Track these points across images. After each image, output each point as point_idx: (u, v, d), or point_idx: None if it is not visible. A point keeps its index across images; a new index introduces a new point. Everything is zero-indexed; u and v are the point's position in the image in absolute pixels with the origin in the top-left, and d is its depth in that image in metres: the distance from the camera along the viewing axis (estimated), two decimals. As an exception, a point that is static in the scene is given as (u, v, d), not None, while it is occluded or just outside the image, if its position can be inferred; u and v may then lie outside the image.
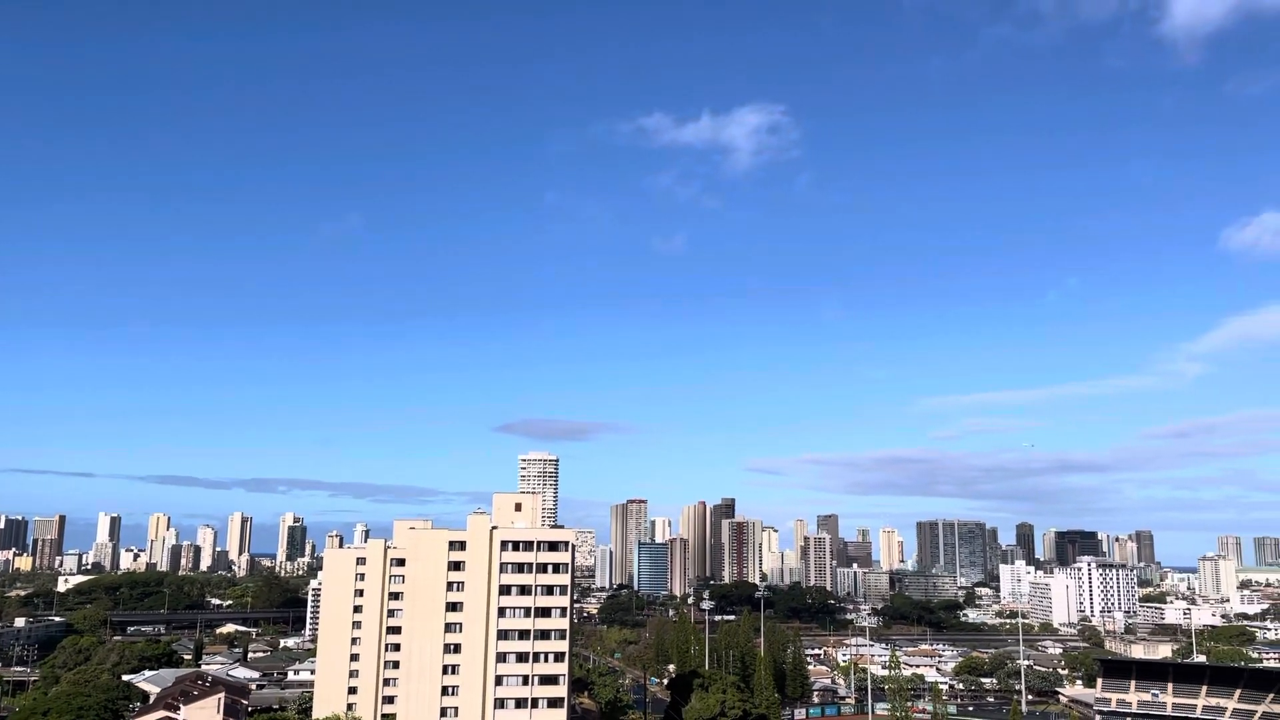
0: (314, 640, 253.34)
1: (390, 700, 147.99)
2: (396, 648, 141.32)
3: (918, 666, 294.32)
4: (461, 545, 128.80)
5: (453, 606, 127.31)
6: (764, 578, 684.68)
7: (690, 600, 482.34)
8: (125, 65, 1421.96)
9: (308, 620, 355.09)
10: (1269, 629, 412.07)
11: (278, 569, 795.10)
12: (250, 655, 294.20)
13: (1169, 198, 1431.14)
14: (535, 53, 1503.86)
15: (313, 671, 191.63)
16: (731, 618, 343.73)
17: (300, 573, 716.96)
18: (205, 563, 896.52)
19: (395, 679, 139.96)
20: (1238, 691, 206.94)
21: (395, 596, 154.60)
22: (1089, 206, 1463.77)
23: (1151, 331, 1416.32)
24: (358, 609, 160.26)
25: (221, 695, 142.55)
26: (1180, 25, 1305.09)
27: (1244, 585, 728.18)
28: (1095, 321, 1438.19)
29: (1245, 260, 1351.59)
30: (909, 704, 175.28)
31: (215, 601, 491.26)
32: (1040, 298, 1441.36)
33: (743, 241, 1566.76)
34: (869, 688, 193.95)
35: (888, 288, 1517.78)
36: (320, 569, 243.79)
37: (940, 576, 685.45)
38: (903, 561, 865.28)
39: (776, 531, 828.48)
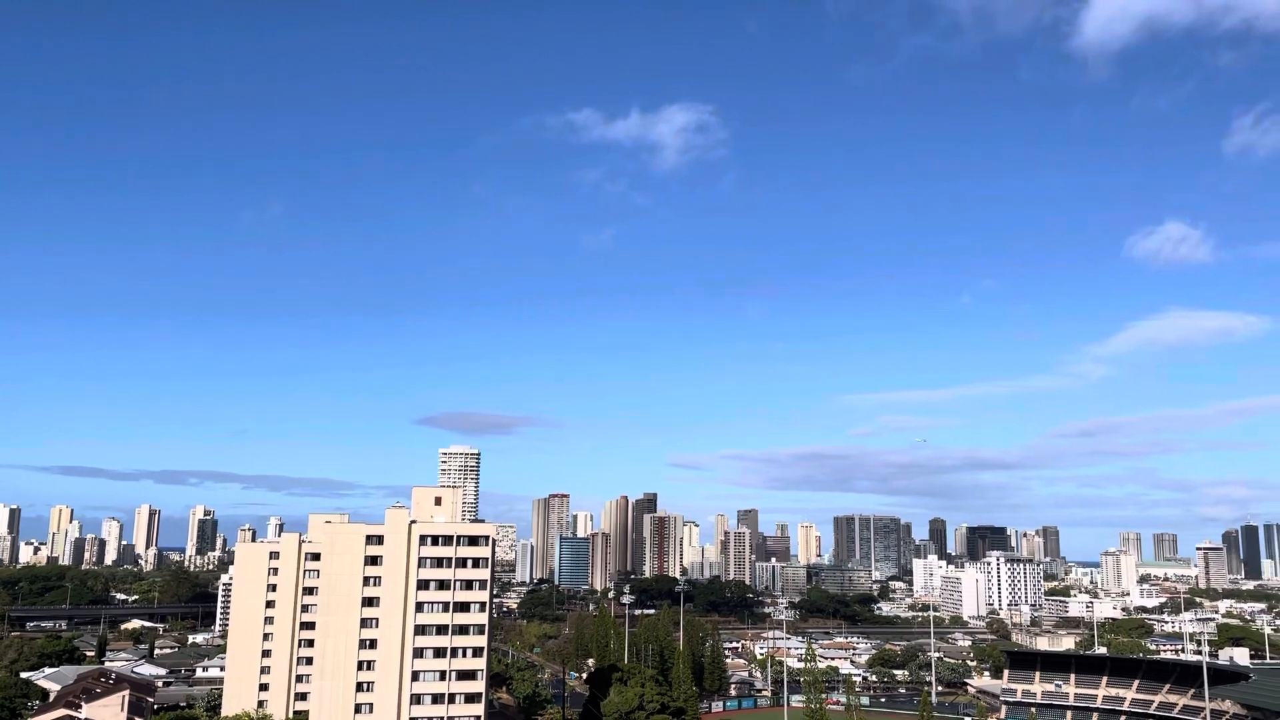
0: (224, 636, 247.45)
1: (303, 697, 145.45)
2: (310, 644, 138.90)
3: (833, 659, 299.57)
4: (379, 540, 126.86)
5: (369, 602, 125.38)
6: (684, 572, 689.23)
7: (611, 594, 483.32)
8: (38, 57, 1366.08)
9: (218, 616, 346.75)
10: (1166, 622, 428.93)
11: (187, 563, 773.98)
12: (157, 652, 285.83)
13: (1078, 206, 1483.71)
14: (464, 46, 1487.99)
15: (222, 668, 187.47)
16: (652, 612, 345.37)
17: (211, 567, 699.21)
18: (110, 557, 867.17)
19: (308, 675, 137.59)
20: (1136, 682, 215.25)
21: (310, 591, 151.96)
22: (1003, 213, 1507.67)
23: (1060, 334, 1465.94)
24: (270, 604, 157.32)
25: (126, 693, 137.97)
26: (1090, 41, 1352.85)
27: (1143, 579, 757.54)
28: (1007, 323, 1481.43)
29: (1149, 267, 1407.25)
30: (824, 696, 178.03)
31: (121, 597, 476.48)
32: (956, 299, 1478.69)
33: (669, 239, 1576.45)
34: (785, 680, 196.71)
35: (810, 288, 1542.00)
36: (232, 563, 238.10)
37: (856, 570, 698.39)
38: (820, 556, 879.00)
39: (697, 526, 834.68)
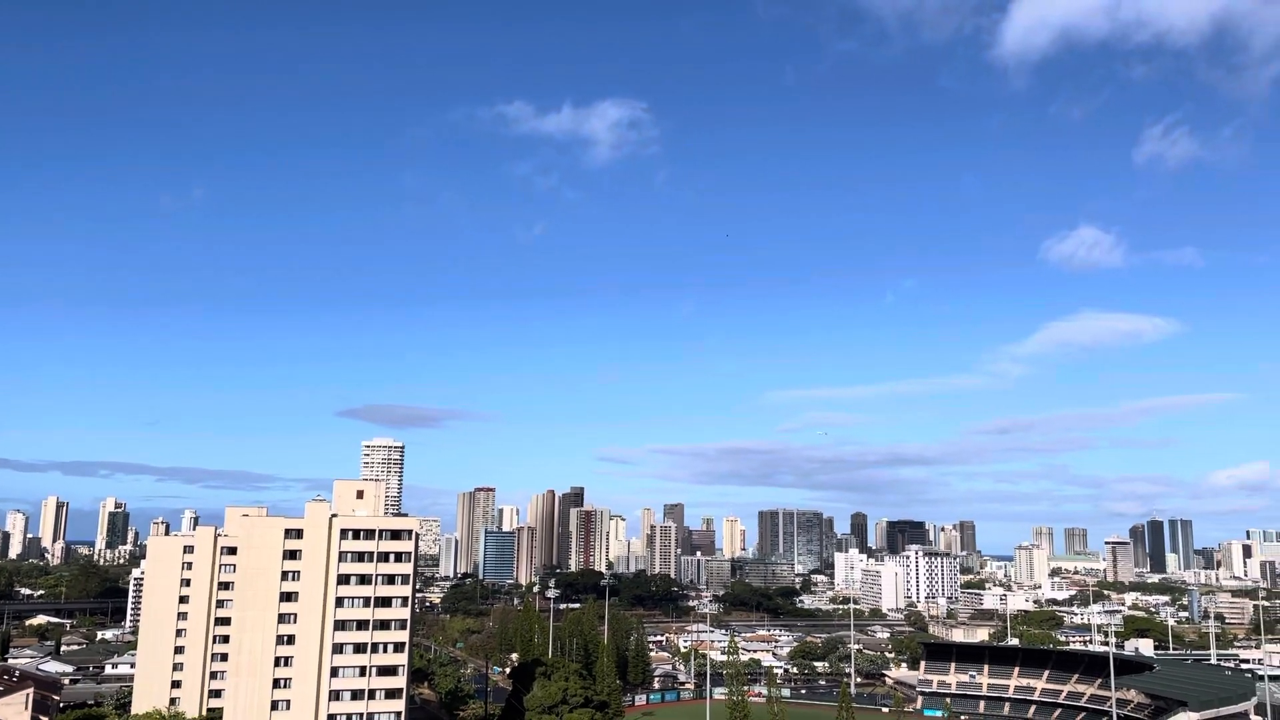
0: (135, 633, 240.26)
1: (217, 695, 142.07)
2: (226, 640, 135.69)
3: (755, 652, 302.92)
4: (298, 534, 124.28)
5: (287, 597, 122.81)
6: (610, 566, 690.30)
7: (536, 589, 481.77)
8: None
9: (129, 611, 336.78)
10: (1075, 614, 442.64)
11: (96, 557, 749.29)
12: (64, 648, 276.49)
13: (996, 210, 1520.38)
14: (394, 36, 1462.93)
15: (133, 665, 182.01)
16: (577, 606, 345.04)
17: (121, 561, 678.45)
18: (15, 550, 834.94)
19: (223, 673, 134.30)
20: (1046, 672, 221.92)
21: (225, 586, 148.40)
22: (924, 216, 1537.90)
23: (980, 334, 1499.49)
24: (184, 599, 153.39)
25: (30, 690, 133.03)
26: (1010, 52, 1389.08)
27: (1055, 573, 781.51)
28: (929, 323, 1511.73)
29: (1063, 270, 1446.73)
30: (745, 688, 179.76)
31: (25, 591, 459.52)
32: (879, 299, 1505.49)
33: (601, 234, 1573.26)
34: (708, 673, 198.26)
35: (739, 285, 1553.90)
36: (144, 558, 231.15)
37: (779, 564, 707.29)
38: (744, 549, 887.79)
39: (624, 520, 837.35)
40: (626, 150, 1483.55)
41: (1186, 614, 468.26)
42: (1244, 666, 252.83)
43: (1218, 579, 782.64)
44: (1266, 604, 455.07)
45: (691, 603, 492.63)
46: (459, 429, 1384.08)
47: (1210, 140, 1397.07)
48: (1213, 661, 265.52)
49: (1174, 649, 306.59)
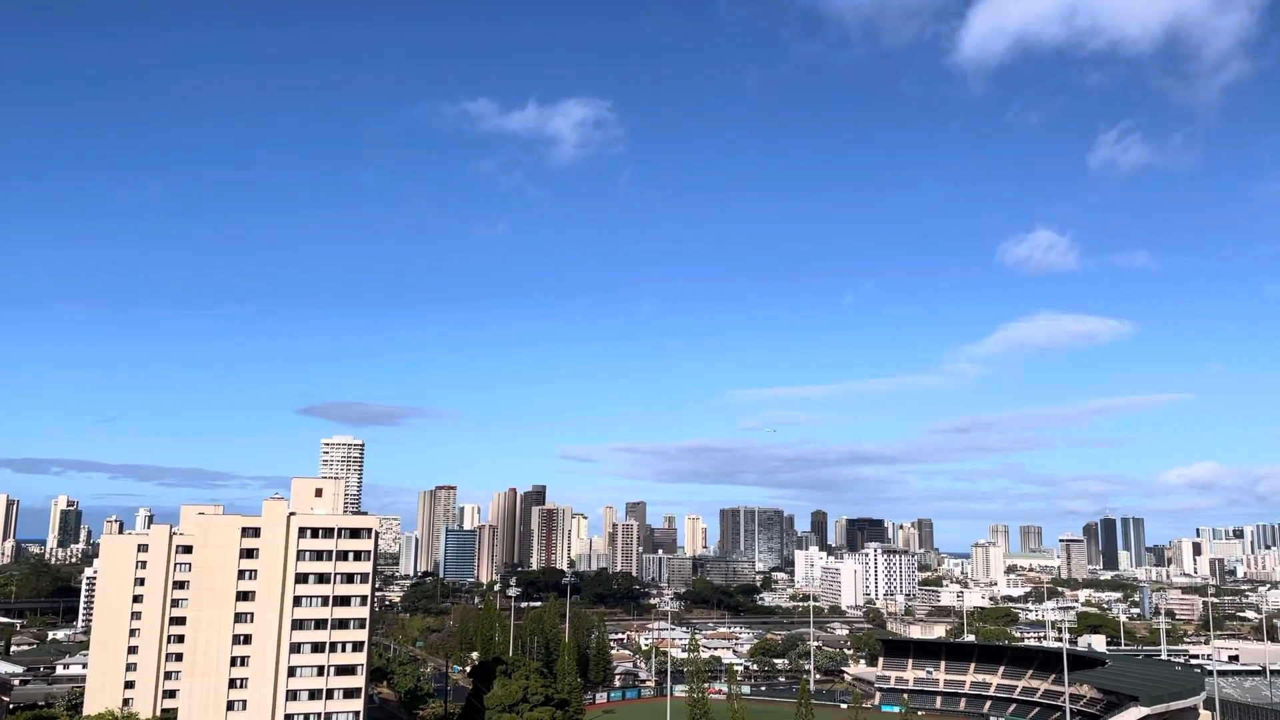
0: (87, 632, 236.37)
1: (172, 695, 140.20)
2: (180, 640, 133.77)
3: (716, 649, 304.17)
4: (255, 532, 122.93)
5: (244, 596, 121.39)
6: (572, 564, 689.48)
7: (497, 587, 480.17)
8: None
9: (80, 611, 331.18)
10: (1030, 610, 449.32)
11: (48, 556, 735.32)
12: (13, 649, 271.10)
13: (955, 213, 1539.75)
14: (356, 29, 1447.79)
15: (85, 666, 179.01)
16: (538, 604, 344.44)
17: (74, 560, 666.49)
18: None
19: (178, 673, 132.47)
20: (1001, 668, 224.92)
21: (180, 586, 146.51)
22: (884, 218, 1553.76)
23: (938, 334, 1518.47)
24: (138, 599, 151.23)
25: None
26: (968, 58, 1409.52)
27: (1010, 570, 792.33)
28: (889, 324, 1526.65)
29: (1020, 272, 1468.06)
30: (706, 686, 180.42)
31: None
32: (840, 300, 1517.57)
33: (565, 232, 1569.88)
34: (669, 671, 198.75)
35: (702, 285, 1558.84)
36: (96, 556, 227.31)
37: (740, 561, 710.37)
38: (706, 547, 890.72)
39: (586, 518, 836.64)
40: (591, 149, 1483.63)
41: (1138, 610, 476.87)
42: (1193, 662, 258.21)
43: (1168, 576, 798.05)
44: (1215, 600, 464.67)
45: (653, 600, 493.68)
46: (420, 427, 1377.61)
47: (1162, 146, 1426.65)
48: (1163, 657, 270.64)
49: (1126, 645, 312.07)
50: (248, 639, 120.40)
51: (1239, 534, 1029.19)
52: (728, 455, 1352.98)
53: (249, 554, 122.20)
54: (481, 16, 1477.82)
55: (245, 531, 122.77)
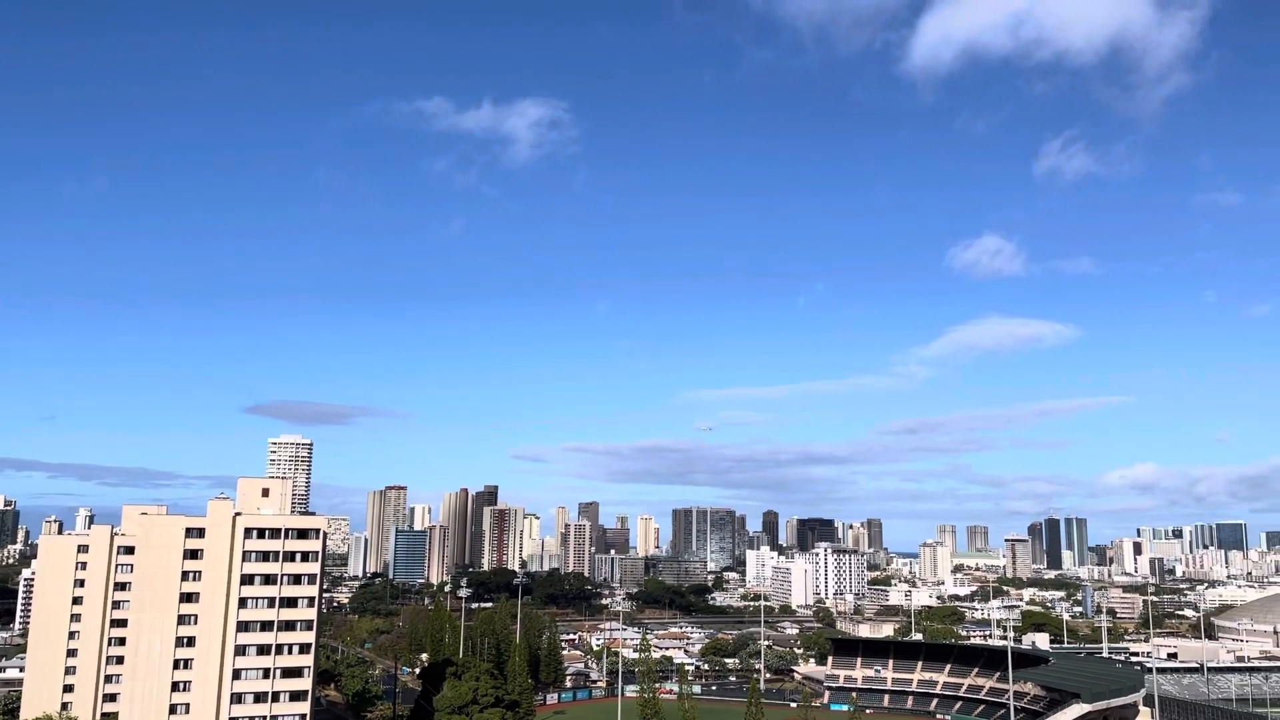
0: (25, 635, 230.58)
1: (112, 699, 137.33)
2: (122, 642, 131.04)
3: (667, 649, 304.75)
4: (200, 532, 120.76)
5: (188, 597, 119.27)
6: (524, 564, 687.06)
7: (448, 588, 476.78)
8: None
9: (18, 613, 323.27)
10: (976, 609, 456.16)
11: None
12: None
13: (905, 218, 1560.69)
14: (310, 26, 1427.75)
15: (23, 669, 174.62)
16: (489, 605, 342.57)
17: (11, 561, 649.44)
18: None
19: (119, 675, 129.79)
20: (948, 666, 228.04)
21: (122, 587, 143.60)
22: (836, 222, 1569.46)
23: (889, 337, 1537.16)
24: (78, 600, 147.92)
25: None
26: (917, 67, 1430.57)
27: (957, 569, 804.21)
28: (841, 326, 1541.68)
29: (968, 276, 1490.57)
30: (657, 686, 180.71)
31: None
32: (793, 302, 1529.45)
33: (520, 232, 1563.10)
34: (620, 671, 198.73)
35: (657, 286, 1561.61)
36: (35, 557, 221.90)
37: (692, 561, 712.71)
38: (658, 548, 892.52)
39: (538, 519, 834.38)
40: (547, 149, 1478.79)
41: (1081, 609, 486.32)
42: (1134, 659, 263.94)
43: (1110, 575, 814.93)
44: (1155, 599, 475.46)
45: (605, 601, 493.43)
46: (371, 426, 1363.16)
47: (1105, 155, 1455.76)
48: (1104, 655, 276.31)
49: (1069, 643, 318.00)
50: (191, 641, 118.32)
51: (1178, 534, 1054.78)
52: (681, 455, 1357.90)
53: (193, 555, 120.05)
54: (437, 15, 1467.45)
55: (189, 532, 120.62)
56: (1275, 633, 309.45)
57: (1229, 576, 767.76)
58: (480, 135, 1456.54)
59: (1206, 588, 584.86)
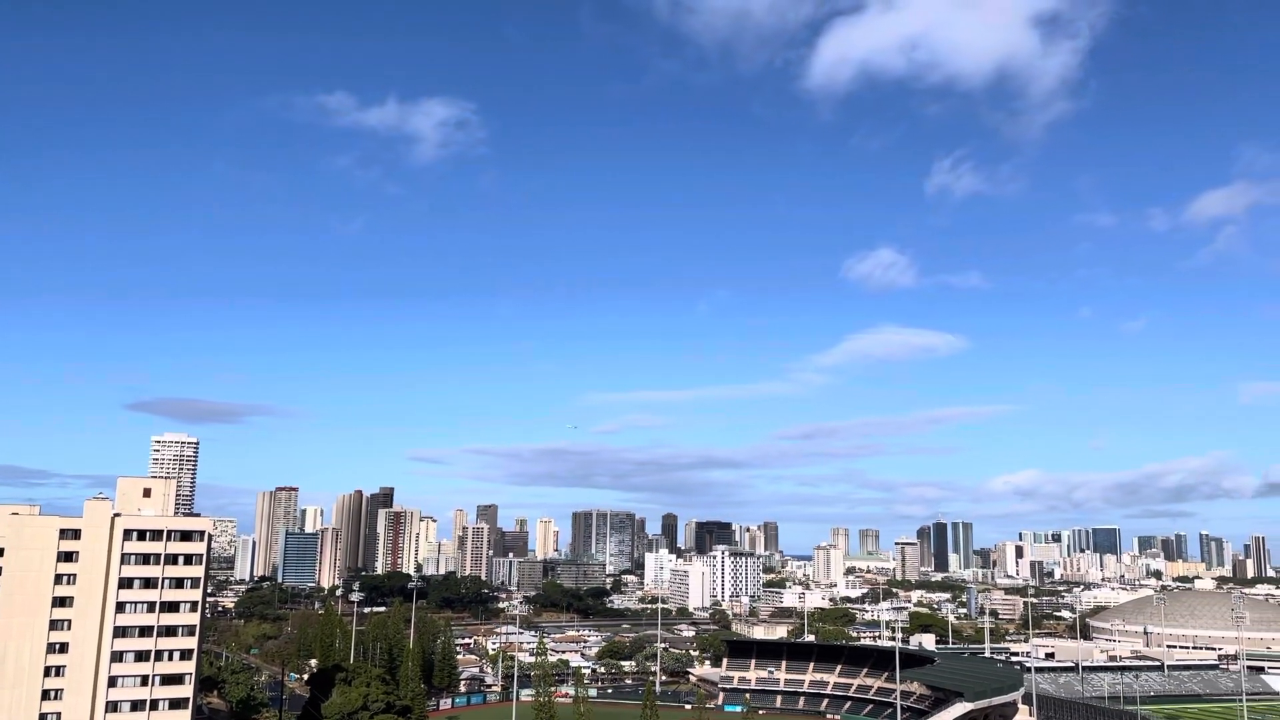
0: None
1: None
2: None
3: (564, 652, 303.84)
4: (76, 534, 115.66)
5: (61, 602, 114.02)
6: (419, 568, 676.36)
7: (340, 592, 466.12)
8: None
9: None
10: (867, 610, 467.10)
11: None
12: None
13: (804, 230, 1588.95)
14: (207, 12, 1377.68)
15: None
16: (383, 609, 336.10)
17: None
18: None
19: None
20: (839, 667, 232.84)
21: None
22: (739, 232, 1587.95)
23: (787, 344, 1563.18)
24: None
25: None
26: (817, 85, 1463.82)
27: (850, 571, 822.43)
28: (740, 332, 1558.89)
29: (863, 287, 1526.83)
30: (553, 689, 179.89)
31: None
32: (694, 308, 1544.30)
33: (423, 231, 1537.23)
34: (515, 675, 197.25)
35: (561, 289, 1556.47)
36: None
37: (591, 564, 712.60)
38: (557, 551, 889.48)
39: (435, 521, 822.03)
40: (453, 149, 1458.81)
41: (965, 610, 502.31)
42: (1014, 659, 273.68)
43: (993, 577, 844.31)
44: (1034, 601, 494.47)
45: (502, 604, 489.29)
46: (263, 425, 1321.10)
47: (992, 175, 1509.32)
48: (987, 654, 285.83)
49: (954, 643, 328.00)
50: (64, 648, 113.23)
51: (1057, 538, 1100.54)
52: (582, 458, 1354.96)
53: (68, 557, 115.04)
54: (340, 8, 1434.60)
55: (64, 533, 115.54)
56: (1145, 633, 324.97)
57: (1104, 579, 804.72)
58: (384, 133, 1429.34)
59: (1082, 590, 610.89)
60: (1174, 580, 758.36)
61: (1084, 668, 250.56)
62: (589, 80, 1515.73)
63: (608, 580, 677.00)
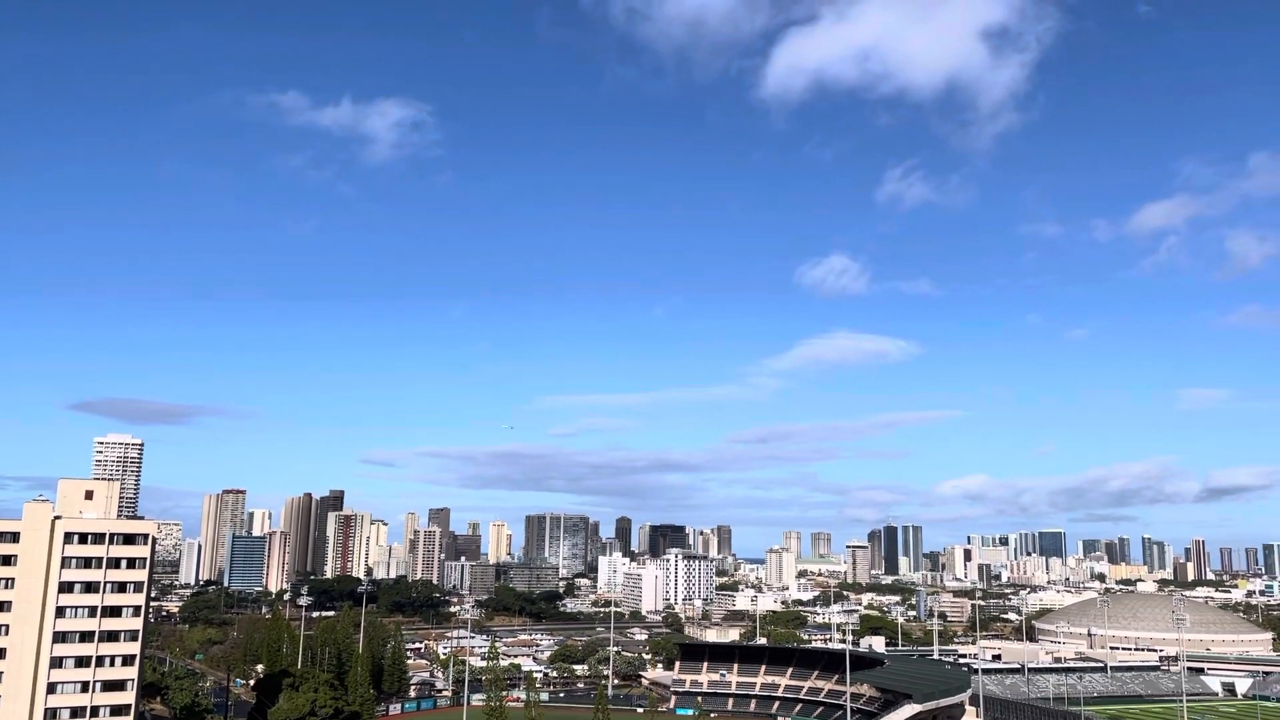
0: None
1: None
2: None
3: (516, 656, 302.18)
4: (14, 537, 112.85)
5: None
6: (370, 572, 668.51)
7: (287, 596, 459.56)
8: None
9: None
10: (818, 613, 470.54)
11: None
12: None
13: (758, 236, 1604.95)
14: (157, 10, 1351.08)
15: None
16: (332, 614, 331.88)
17: None
18: None
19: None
20: (790, 669, 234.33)
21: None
22: (694, 237, 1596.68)
23: (742, 348, 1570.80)
24: None
25: None
26: (770, 95, 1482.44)
27: (801, 574, 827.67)
28: (695, 336, 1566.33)
29: (816, 293, 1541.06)
30: (505, 694, 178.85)
31: None
32: (649, 311, 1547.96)
33: (376, 232, 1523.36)
34: (466, 679, 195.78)
35: (516, 291, 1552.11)
36: None
37: (544, 568, 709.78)
38: (510, 554, 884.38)
39: (386, 525, 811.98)
40: (409, 150, 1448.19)
41: (915, 613, 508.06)
42: (962, 661, 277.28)
43: (942, 580, 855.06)
44: (982, 603, 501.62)
45: (454, 608, 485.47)
46: (211, 427, 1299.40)
47: (941, 185, 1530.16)
48: (935, 657, 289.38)
49: (903, 646, 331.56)
50: (2, 653, 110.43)
51: (1004, 542, 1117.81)
52: (537, 461, 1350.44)
53: (6, 560, 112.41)
54: (295, 6, 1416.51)
55: (2, 536, 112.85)
56: (1089, 635, 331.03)
57: (1049, 582, 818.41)
58: (338, 133, 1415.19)
59: (1029, 592, 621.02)
60: (1117, 583, 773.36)
61: (1030, 669, 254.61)
62: (545, 84, 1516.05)
63: (561, 584, 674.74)
